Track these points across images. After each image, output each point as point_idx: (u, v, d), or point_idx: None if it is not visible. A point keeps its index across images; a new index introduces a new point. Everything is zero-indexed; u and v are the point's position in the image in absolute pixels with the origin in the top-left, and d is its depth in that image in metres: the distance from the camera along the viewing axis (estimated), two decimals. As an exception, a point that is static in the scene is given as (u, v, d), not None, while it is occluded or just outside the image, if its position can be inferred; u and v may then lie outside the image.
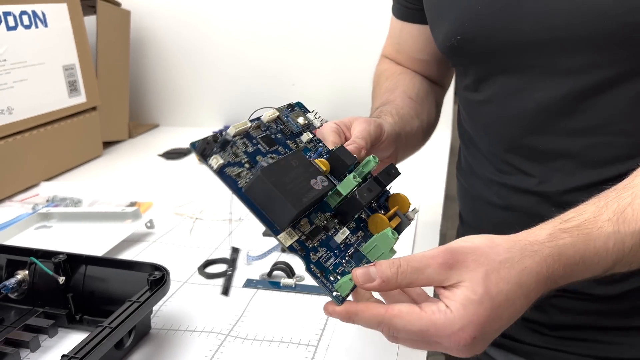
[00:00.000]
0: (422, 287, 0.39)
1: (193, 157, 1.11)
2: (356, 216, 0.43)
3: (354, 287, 0.38)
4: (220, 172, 0.38)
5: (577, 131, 0.50)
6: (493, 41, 0.51)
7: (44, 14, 0.97)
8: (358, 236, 0.42)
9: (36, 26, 0.96)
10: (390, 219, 0.43)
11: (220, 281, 0.63)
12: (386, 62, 0.74)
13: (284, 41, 1.25)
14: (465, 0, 0.53)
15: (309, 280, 0.60)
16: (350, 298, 0.39)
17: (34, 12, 0.95)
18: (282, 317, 0.55)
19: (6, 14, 0.90)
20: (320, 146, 0.47)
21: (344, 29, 1.20)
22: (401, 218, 0.44)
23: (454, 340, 0.34)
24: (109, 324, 0.46)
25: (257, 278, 0.63)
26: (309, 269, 0.38)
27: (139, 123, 1.38)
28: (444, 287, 0.35)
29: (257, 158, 0.41)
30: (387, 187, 0.45)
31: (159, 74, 1.35)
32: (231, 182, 0.38)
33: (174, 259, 0.68)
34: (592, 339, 0.56)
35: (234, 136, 0.40)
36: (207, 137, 0.39)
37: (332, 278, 0.39)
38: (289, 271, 0.62)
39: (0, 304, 0.57)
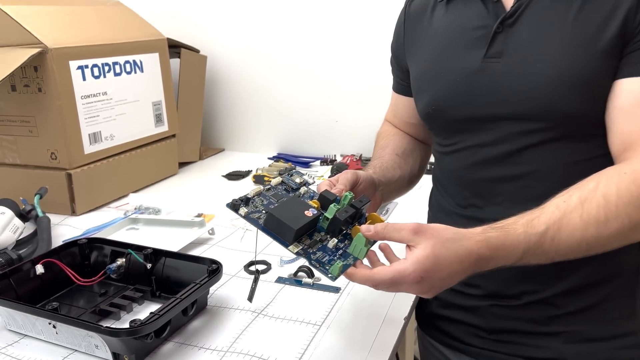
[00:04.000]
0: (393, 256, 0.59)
1: (250, 179, 1.34)
2: (344, 231, 0.63)
3: (342, 269, 0.58)
4: (247, 217, 0.62)
5: (511, 177, 0.68)
6: (457, 112, 0.71)
7: (141, 62, 1.25)
8: (345, 243, 0.63)
9: (135, 72, 1.23)
10: None
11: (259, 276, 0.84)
12: (386, 124, 0.95)
13: (330, 84, 1.47)
14: (439, 82, 0.73)
15: (325, 281, 0.80)
16: (342, 277, 0.59)
17: (134, 61, 1.23)
18: (298, 305, 0.76)
19: (115, 63, 1.18)
20: (313, 192, 0.68)
21: (380, 79, 1.40)
22: None
23: (409, 279, 0.53)
24: (179, 296, 0.68)
25: (286, 277, 0.84)
26: (310, 263, 0.59)
27: (208, 147, 1.64)
28: (409, 247, 0.55)
29: (270, 206, 0.63)
30: (364, 212, 0.65)
31: (227, 107, 1.61)
32: (254, 222, 0.62)
33: (227, 258, 0.90)
34: (519, 342, 0.72)
35: (253, 196, 0.64)
36: (234, 199, 0.62)
37: (327, 267, 0.59)
38: (310, 273, 0.83)
39: (104, 281, 0.81)
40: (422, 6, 0.80)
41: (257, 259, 0.90)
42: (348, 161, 1.37)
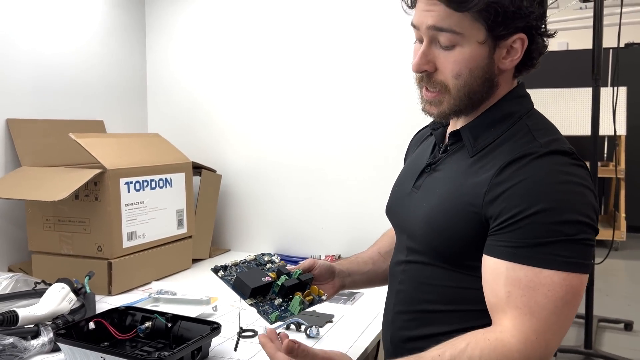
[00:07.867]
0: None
1: (248, 273, 1.66)
2: (290, 295, 0.94)
3: (277, 318, 0.87)
4: (222, 278, 0.92)
5: (401, 280, 0.93)
6: (393, 218, 1.01)
7: (171, 180, 1.63)
8: (288, 303, 0.93)
9: (165, 187, 1.61)
10: (306, 297, 0.94)
11: (248, 340, 1.14)
12: None
13: (317, 200, 1.84)
14: (393, 194, 1.02)
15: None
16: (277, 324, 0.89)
17: (166, 178, 1.61)
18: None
19: (151, 180, 1.56)
20: (275, 267, 1.00)
21: (355, 198, 1.77)
22: (314, 297, 0.94)
23: None
24: (190, 342, 0.98)
25: (267, 339, 1.13)
26: (258, 312, 0.89)
27: (217, 247, 1.98)
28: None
29: (239, 272, 0.94)
30: (308, 285, 0.96)
31: (234, 215, 1.98)
32: (227, 281, 0.92)
33: (225, 327, 1.20)
34: None
35: (230, 265, 0.95)
36: (216, 265, 0.93)
37: (269, 316, 0.89)
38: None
39: (135, 338, 1.12)
40: (420, 136, 1.07)
41: (246, 327, 1.20)
42: (329, 260, 1.69)
